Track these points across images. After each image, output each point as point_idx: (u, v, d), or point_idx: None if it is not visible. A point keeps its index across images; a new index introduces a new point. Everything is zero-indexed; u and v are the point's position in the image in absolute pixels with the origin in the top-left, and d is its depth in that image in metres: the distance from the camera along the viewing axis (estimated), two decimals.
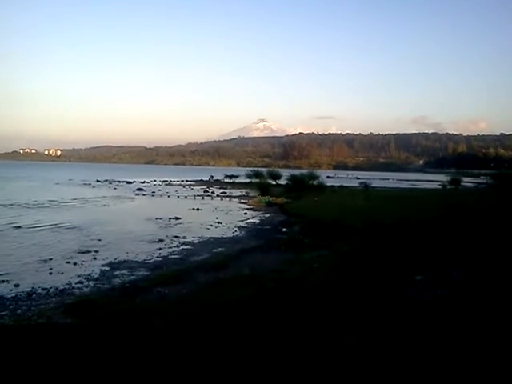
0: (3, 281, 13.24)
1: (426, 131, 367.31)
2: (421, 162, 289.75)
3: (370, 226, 21.37)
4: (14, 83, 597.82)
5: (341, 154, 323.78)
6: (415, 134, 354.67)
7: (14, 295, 11.83)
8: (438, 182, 78.88)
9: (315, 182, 53.86)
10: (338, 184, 72.23)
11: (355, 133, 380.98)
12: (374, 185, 63.02)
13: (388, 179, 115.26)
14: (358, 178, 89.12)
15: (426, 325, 7.46)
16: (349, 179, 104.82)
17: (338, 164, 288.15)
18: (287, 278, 11.88)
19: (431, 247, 14.41)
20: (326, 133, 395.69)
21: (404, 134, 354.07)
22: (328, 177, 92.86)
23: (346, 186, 68.11)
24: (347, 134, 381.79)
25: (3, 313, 10.27)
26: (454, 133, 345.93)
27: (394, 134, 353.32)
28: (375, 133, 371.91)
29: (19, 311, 10.39)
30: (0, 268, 14.76)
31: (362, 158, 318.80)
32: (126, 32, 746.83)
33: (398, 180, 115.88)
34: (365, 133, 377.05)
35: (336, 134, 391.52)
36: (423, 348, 6.38)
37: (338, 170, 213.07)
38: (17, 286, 12.78)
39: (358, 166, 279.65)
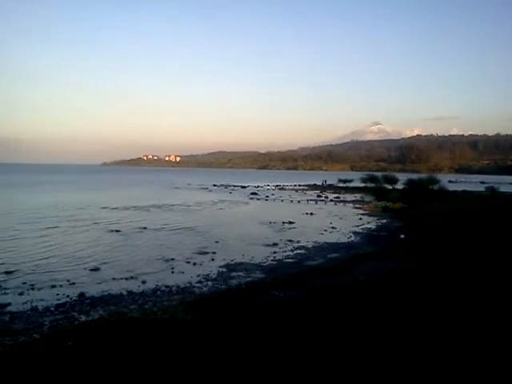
0: (132, 277, 14.33)
1: None
2: None
3: (498, 234, 19.57)
4: (141, 95, 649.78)
5: (463, 157, 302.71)
6: None
7: (141, 291, 12.71)
8: None
9: (435, 187, 50.59)
10: (461, 189, 67.58)
11: (479, 134, 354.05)
12: (502, 190, 57.66)
13: None
14: (483, 183, 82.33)
15: None
16: (473, 183, 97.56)
17: (461, 168, 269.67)
18: (403, 286, 11.28)
19: None
20: (446, 134, 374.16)
21: None
22: (450, 181, 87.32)
23: (470, 191, 63.39)
24: (470, 135, 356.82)
25: (132, 306, 11.06)
26: None
27: None
28: (503, 133, 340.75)
29: (146, 306, 11.10)
30: (130, 266, 16.02)
31: (487, 161, 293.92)
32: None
33: None
34: (490, 133, 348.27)
35: (457, 135, 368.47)
36: None
37: (460, 174, 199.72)
38: (144, 282, 13.74)
39: (482, 169, 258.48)
